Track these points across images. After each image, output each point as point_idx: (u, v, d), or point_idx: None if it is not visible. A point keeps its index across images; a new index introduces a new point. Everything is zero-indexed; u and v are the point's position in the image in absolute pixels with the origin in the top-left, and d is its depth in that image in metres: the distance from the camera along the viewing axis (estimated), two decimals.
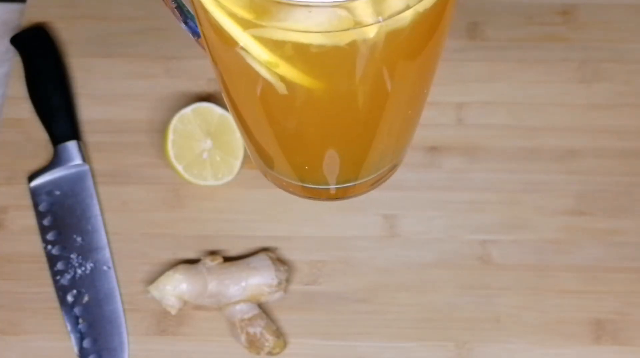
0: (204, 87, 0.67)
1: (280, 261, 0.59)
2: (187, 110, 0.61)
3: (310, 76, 0.43)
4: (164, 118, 0.65)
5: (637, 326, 0.58)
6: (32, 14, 0.70)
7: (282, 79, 0.43)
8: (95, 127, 0.65)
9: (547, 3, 0.69)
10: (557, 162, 0.63)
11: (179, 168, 0.61)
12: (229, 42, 0.42)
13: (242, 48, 0.42)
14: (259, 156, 0.59)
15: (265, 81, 0.44)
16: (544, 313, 0.58)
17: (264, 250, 0.60)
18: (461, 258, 0.60)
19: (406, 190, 0.62)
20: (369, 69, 0.43)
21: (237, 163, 0.62)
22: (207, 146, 0.62)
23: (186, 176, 0.61)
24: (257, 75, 0.44)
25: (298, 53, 0.41)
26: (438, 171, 0.63)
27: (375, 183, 0.59)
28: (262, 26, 0.40)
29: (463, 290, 0.59)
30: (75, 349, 0.58)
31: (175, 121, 0.61)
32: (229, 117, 0.62)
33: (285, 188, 0.60)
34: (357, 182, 0.58)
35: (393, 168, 0.60)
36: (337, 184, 0.58)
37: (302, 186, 0.59)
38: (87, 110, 0.66)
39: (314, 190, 0.59)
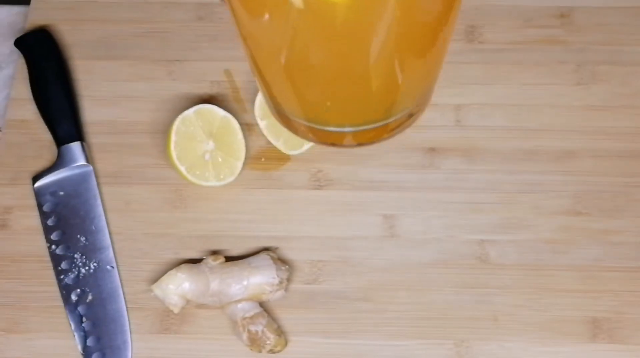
0: (206, 89, 0.67)
1: (281, 261, 0.59)
2: (190, 112, 0.62)
3: None
4: (167, 120, 0.65)
5: (633, 325, 0.58)
6: (36, 17, 0.70)
7: None
8: (98, 128, 0.66)
9: (545, 6, 0.70)
10: (555, 163, 0.64)
11: (182, 168, 0.61)
12: None
13: None
14: (274, 102, 0.57)
15: (284, 6, 0.43)
16: (542, 312, 0.59)
17: (265, 249, 0.61)
18: (460, 257, 0.60)
19: (405, 190, 0.63)
20: None
21: (239, 164, 0.63)
22: (209, 147, 0.62)
23: (189, 176, 0.62)
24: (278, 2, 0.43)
25: None
26: (437, 172, 0.64)
27: (393, 130, 0.57)
28: None
29: (461, 289, 0.59)
30: (79, 347, 0.58)
31: (177, 122, 0.61)
32: (230, 119, 0.63)
33: (304, 133, 0.58)
34: (375, 125, 0.56)
35: (411, 116, 0.58)
36: (354, 125, 0.56)
37: (318, 130, 0.57)
38: (91, 112, 0.67)
39: (326, 133, 0.56)
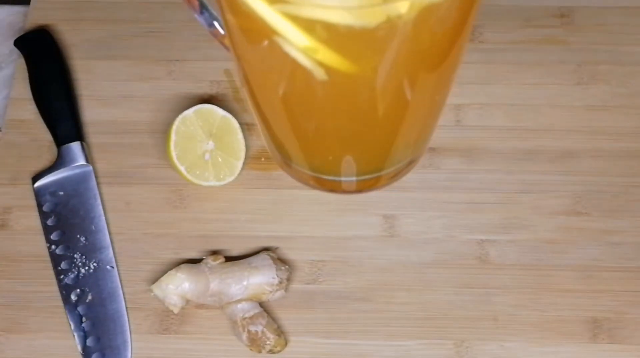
0: (206, 89, 0.67)
1: (281, 261, 0.59)
2: (190, 112, 0.62)
3: (339, 58, 0.43)
4: (167, 120, 0.65)
5: (633, 325, 0.58)
6: (35, 17, 0.71)
7: (312, 61, 0.43)
8: (98, 128, 0.66)
9: (545, 6, 0.70)
10: (555, 163, 0.64)
11: (182, 168, 0.61)
12: (255, 25, 0.42)
13: (271, 31, 0.41)
14: (278, 149, 0.58)
15: (291, 67, 0.44)
16: (542, 312, 0.59)
17: (265, 249, 0.61)
18: (460, 257, 0.60)
19: (405, 191, 0.63)
20: (401, 50, 0.43)
21: (239, 164, 0.63)
22: (209, 147, 0.62)
23: (188, 176, 0.62)
24: (283, 62, 0.44)
25: (327, 33, 0.41)
26: (437, 172, 0.64)
27: (393, 177, 0.59)
28: (289, 2, 0.39)
29: (461, 289, 0.59)
30: (79, 347, 0.58)
31: (177, 122, 0.61)
32: (230, 119, 0.63)
33: (305, 181, 0.60)
34: (375, 174, 0.58)
35: (411, 162, 0.59)
36: (357, 176, 0.58)
37: (320, 179, 0.58)
38: (91, 111, 0.67)
39: (331, 183, 0.58)
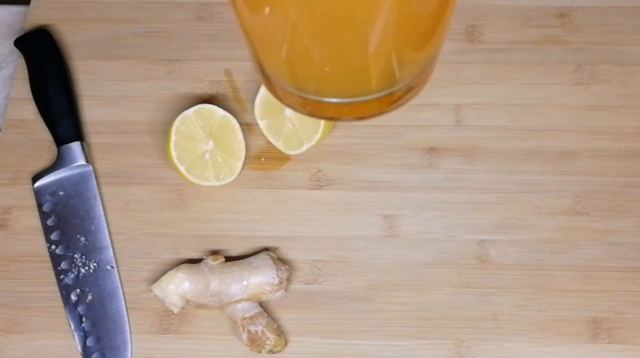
0: (206, 89, 0.67)
1: (281, 261, 0.59)
2: (190, 112, 0.62)
3: None
4: (167, 120, 0.65)
5: (633, 325, 0.58)
6: (35, 17, 0.71)
7: None
8: (98, 128, 0.66)
9: (545, 6, 0.70)
10: (554, 163, 0.64)
11: (182, 168, 0.61)
12: None
13: None
14: (272, 67, 0.54)
15: None
16: (541, 311, 0.59)
17: (265, 249, 0.61)
18: (459, 257, 0.60)
19: (405, 190, 0.63)
20: None
21: (239, 164, 0.63)
22: (209, 147, 0.62)
23: (188, 176, 0.62)
24: None
25: None
26: (437, 172, 0.64)
27: (393, 103, 0.55)
28: None
29: (461, 289, 0.59)
30: (79, 347, 0.58)
31: (177, 122, 0.61)
32: (230, 119, 0.63)
33: (300, 106, 0.56)
34: (374, 96, 0.54)
35: (411, 89, 0.56)
36: (353, 96, 0.54)
37: (318, 102, 0.54)
38: (91, 111, 0.67)
39: (329, 106, 0.54)
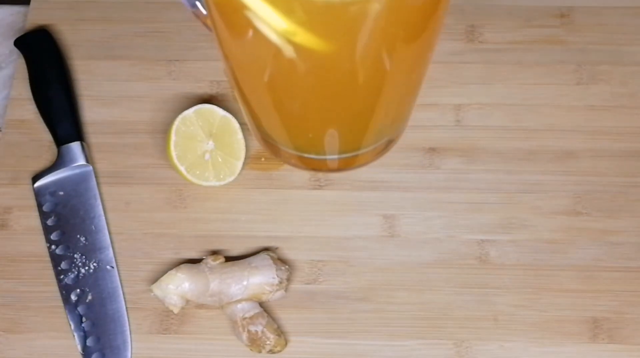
0: (206, 89, 0.67)
1: (281, 261, 0.59)
2: (190, 112, 0.62)
3: (317, 38, 0.43)
4: (167, 120, 0.65)
5: (633, 325, 0.58)
6: (35, 17, 0.71)
7: (289, 42, 0.43)
8: (98, 128, 0.66)
9: (545, 6, 0.70)
10: (555, 163, 0.64)
11: (182, 168, 0.61)
12: (232, 5, 0.42)
13: (249, 10, 0.41)
14: (258, 125, 0.58)
15: (270, 46, 0.44)
16: (541, 312, 0.59)
17: (265, 249, 0.61)
18: (459, 257, 0.61)
19: (405, 190, 0.63)
20: (379, 24, 0.43)
21: (239, 164, 0.63)
22: (209, 147, 0.62)
23: (188, 176, 0.62)
24: (262, 43, 0.44)
25: (305, 13, 0.41)
26: (437, 172, 0.64)
27: (374, 156, 0.59)
28: None
29: (461, 289, 0.59)
30: (79, 347, 0.58)
31: (177, 122, 0.61)
32: (230, 118, 0.63)
33: (287, 159, 0.60)
34: (356, 153, 0.58)
35: (390, 142, 0.60)
36: (334, 155, 0.58)
37: (300, 157, 0.58)
38: (91, 111, 0.67)
39: (311, 161, 0.58)
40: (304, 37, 0.42)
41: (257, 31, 0.43)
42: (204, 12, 0.55)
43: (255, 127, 0.59)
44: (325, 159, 0.59)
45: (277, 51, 0.45)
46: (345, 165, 0.60)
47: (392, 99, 0.54)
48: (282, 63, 0.47)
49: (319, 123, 0.54)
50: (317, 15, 0.41)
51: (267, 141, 0.60)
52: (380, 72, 0.49)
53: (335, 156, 0.59)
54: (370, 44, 0.45)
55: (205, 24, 0.56)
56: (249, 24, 0.43)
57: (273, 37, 0.43)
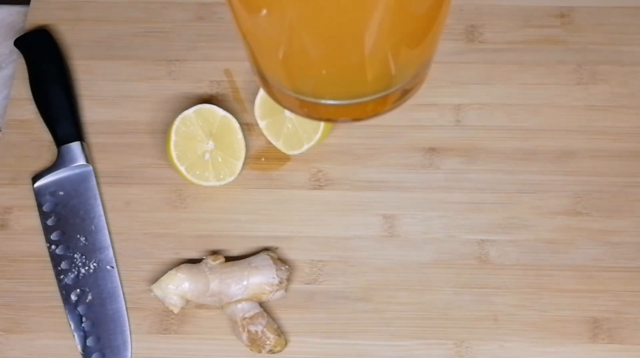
0: (206, 89, 0.67)
1: (281, 261, 0.59)
2: (190, 112, 0.62)
3: None
4: (167, 120, 0.65)
5: (633, 324, 0.58)
6: (35, 17, 0.71)
7: None
8: (98, 128, 0.66)
9: (545, 6, 0.70)
10: (554, 163, 0.64)
11: (182, 168, 0.61)
12: None
13: None
14: (270, 70, 0.55)
15: None
16: (541, 312, 0.59)
17: (265, 249, 0.61)
18: (459, 257, 0.61)
19: (405, 190, 0.63)
20: None
21: (239, 164, 0.63)
22: (209, 147, 0.62)
23: (188, 176, 0.62)
24: None
25: None
26: (437, 172, 0.64)
27: (389, 104, 0.55)
28: None
29: (461, 289, 0.59)
30: (79, 347, 0.58)
31: (177, 122, 0.61)
32: (230, 118, 0.63)
33: (298, 108, 0.56)
34: (370, 97, 0.55)
35: (406, 92, 0.56)
36: (349, 98, 0.55)
37: (315, 104, 0.55)
38: (91, 112, 0.67)
39: (326, 108, 0.55)
40: None
41: None
42: None
43: (261, 70, 0.56)
44: (337, 105, 0.56)
45: None
46: (358, 113, 0.56)
47: (406, 29, 0.50)
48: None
49: (328, 55, 0.51)
50: None
51: (273, 87, 0.57)
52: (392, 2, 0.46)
53: (347, 101, 0.55)
54: None
55: None
56: None
57: None
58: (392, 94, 0.54)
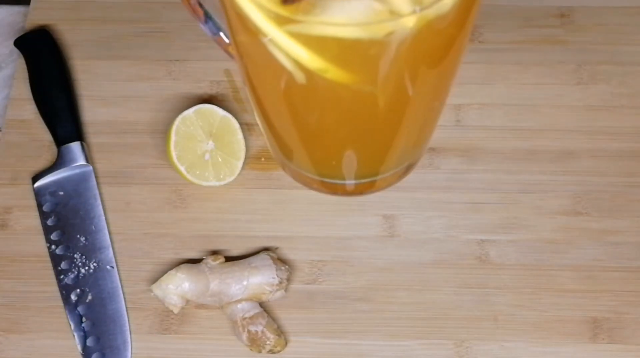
0: (206, 89, 0.67)
1: (281, 261, 0.59)
2: (190, 112, 0.62)
3: (347, 73, 0.43)
4: (167, 120, 0.65)
5: (633, 325, 0.58)
6: (35, 17, 0.71)
7: (310, 72, 0.44)
8: (98, 128, 0.66)
9: (545, 6, 0.70)
10: (554, 163, 0.64)
11: (182, 168, 0.61)
12: (259, 38, 0.43)
13: (272, 43, 0.42)
14: (281, 150, 0.59)
15: (292, 74, 0.45)
16: (541, 312, 0.59)
17: (265, 249, 0.61)
18: (459, 257, 0.61)
19: (405, 190, 0.63)
20: (405, 57, 0.44)
21: (239, 164, 0.63)
22: (209, 147, 0.62)
23: (188, 176, 0.62)
24: (284, 69, 0.45)
25: (333, 47, 0.42)
26: (437, 172, 0.64)
27: (393, 180, 0.60)
28: (297, 21, 0.40)
29: (461, 289, 0.59)
30: (79, 347, 0.58)
31: (177, 122, 0.61)
32: (230, 119, 0.63)
33: (306, 183, 0.60)
34: (376, 178, 0.59)
35: (410, 167, 0.60)
36: (355, 180, 0.59)
37: (322, 181, 0.59)
38: (91, 111, 0.67)
39: (333, 185, 0.59)
40: (335, 73, 0.43)
41: (283, 66, 0.44)
42: (227, 40, 0.55)
43: (276, 148, 0.60)
44: (345, 184, 0.60)
45: (302, 83, 0.45)
46: (364, 189, 0.61)
47: (413, 127, 0.55)
48: (307, 94, 0.47)
49: (341, 150, 0.55)
50: (348, 50, 0.42)
51: (286, 163, 0.61)
52: (402, 101, 0.49)
53: (354, 181, 0.60)
54: (395, 75, 0.45)
55: (227, 52, 0.56)
56: (275, 60, 0.43)
57: (300, 75, 0.43)
58: (396, 172, 0.58)
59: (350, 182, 0.60)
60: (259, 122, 0.60)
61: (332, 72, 0.43)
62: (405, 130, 0.54)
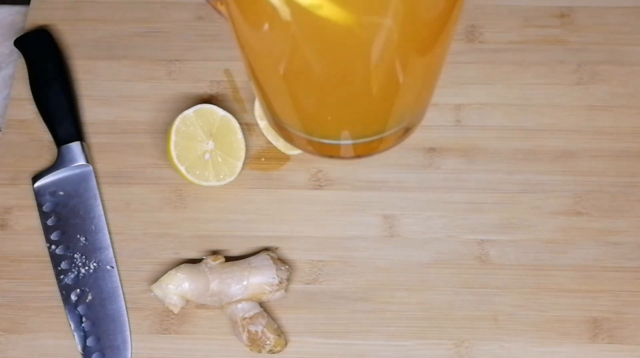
0: (206, 89, 0.67)
1: (281, 261, 0.59)
2: (190, 112, 0.62)
3: (339, 6, 0.42)
4: (167, 120, 0.65)
5: (633, 325, 0.58)
6: (35, 17, 0.71)
7: (302, 10, 0.42)
8: (98, 128, 0.66)
9: (545, 6, 0.70)
10: (554, 163, 0.64)
11: (182, 168, 0.61)
12: None
13: None
14: (275, 109, 0.57)
15: (281, 13, 0.44)
16: (541, 312, 0.59)
17: (265, 249, 0.61)
18: (459, 257, 0.61)
19: (405, 190, 0.63)
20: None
21: (239, 164, 0.63)
22: (209, 147, 0.62)
23: (188, 176, 0.62)
24: (275, 9, 0.43)
25: None
26: (437, 172, 0.64)
27: (389, 142, 0.58)
28: None
29: (461, 289, 0.59)
30: (79, 347, 0.58)
31: (177, 122, 0.61)
32: (230, 118, 0.63)
33: (302, 146, 0.59)
34: (372, 138, 0.57)
35: (408, 130, 0.59)
36: (352, 139, 0.57)
37: (318, 143, 0.57)
38: (91, 111, 0.67)
39: (329, 146, 0.57)
40: (329, 10, 0.42)
41: (275, 16, 0.43)
42: None
43: (268, 110, 0.59)
44: (340, 145, 0.58)
45: (295, 33, 0.44)
46: (362, 152, 0.59)
47: (412, 83, 0.53)
48: (300, 45, 0.46)
49: (336, 102, 0.53)
50: None
51: (279, 124, 0.59)
52: (401, 44, 0.48)
53: (350, 141, 0.58)
54: (393, 14, 0.44)
55: (218, 11, 0.55)
56: (268, 7, 0.42)
57: (289, 13, 0.42)
58: (394, 133, 0.57)
59: (346, 142, 0.58)
60: (253, 86, 0.58)
61: (326, 9, 0.42)
62: (403, 82, 0.53)
